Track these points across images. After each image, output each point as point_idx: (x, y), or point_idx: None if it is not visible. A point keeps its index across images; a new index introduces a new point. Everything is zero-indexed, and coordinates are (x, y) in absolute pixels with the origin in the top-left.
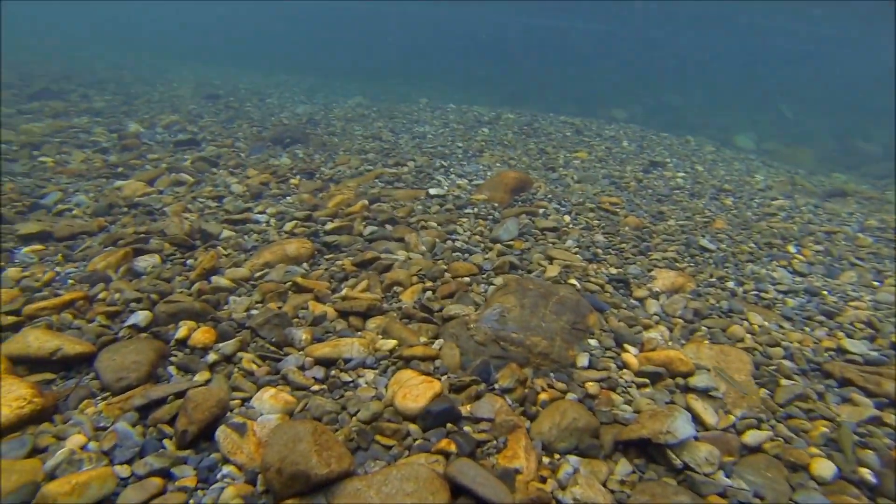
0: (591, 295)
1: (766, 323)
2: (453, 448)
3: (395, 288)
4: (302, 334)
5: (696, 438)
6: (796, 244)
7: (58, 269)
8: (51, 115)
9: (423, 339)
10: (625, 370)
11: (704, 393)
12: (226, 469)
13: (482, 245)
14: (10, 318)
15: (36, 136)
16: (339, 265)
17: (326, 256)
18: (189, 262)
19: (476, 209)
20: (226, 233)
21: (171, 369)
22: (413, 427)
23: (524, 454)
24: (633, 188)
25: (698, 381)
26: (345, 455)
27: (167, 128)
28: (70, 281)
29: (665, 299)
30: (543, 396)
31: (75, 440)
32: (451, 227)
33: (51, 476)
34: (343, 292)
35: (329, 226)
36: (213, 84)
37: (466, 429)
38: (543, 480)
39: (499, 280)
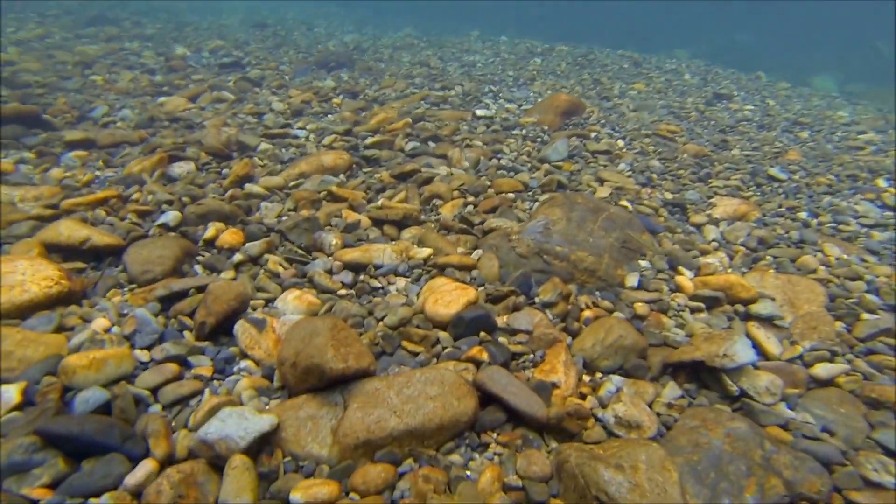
0: (645, 217)
1: (845, 256)
2: (485, 357)
3: (434, 201)
4: (332, 239)
5: (756, 366)
6: (888, 178)
7: (97, 172)
8: (104, 40)
9: (460, 250)
10: (678, 294)
11: (768, 321)
12: (243, 363)
13: (529, 165)
14: (49, 212)
15: (89, 57)
16: (377, 178)
17: (365, 170)
18: (224, 171)
19: (524, 131)
20: (263, 146)
21: (198, 268)
22: (443, 335)
23: (563, 369)
24: (693, 118)
25: (761, 308)
26: (364, 354)
27: (213, 52)
28: (107, 183)
29: (725, 226)
30: (587, 314)
31: (100, 323)
32: (496, 146)
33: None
34: (379, 202)
35: (369, 140)
36: (262, 14)
37: (502, 340)
38: (583, 397)
39: (545, 197)
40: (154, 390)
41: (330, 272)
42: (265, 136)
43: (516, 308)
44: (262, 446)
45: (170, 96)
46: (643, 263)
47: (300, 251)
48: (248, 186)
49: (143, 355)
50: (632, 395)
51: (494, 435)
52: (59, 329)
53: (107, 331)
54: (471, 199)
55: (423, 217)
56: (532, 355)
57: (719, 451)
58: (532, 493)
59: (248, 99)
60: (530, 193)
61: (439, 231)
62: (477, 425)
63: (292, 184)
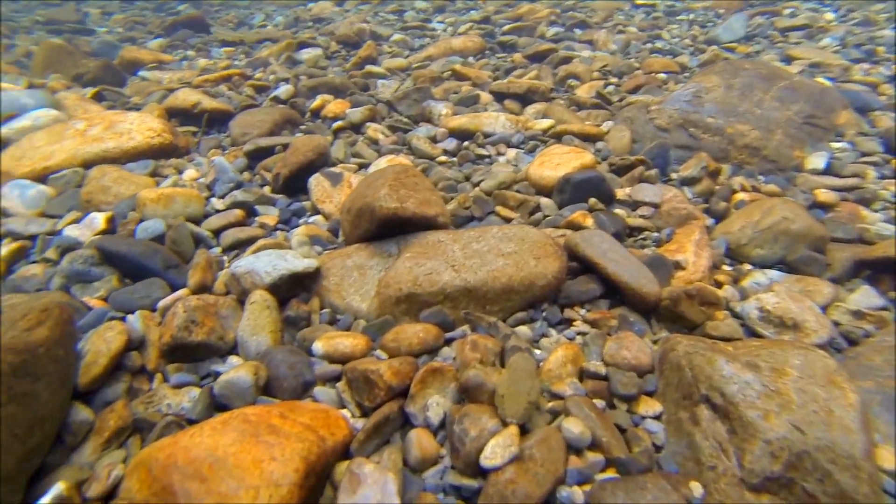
0: (854, 93)
1: None
2: (589, 223)
3: (569, 81)
4: (442, 108)
5: None
6: None
7: (236, 62)
8: None
9: (588, 122)
10: (894, 182)
11: None
12: (312, 217)
13: (692, 48)
14: (180, 86)
15: None
16: (509, 59)
17: (498, 55)
18: (351, 57)
19: (692, 15)
20: (397, 36)
21: (298, 134)
22: (545, 201)
23: (693, 249)
24: None
25: None
26: (432, 202)
27: None
28: (236, 66)
29: None
30: (742, 197)
31: (189, 173)
32: (655, 31)
33: None
34: (505, 80)
35: (507, 27)
36: None
37: (618, 212)
38: (717, 285)
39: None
40: (217, 233)
41: (433, 139)
42: (402, 29)
43: (642, 180)
44: (294, 290)
45: (317, 2)
46: (837, 145)
47: (405, 120)
48: (369, 67)
49: (219, 203)
50: (793, 290)
51: (582, 311)
52: (153, 174)
53: (194, 180)
54: (613, 80)
55: (552, 95)
56: (656, 232)
57: None
58: (617, 383)
59: (393, 0)
60: (686, 75)
61: (569, 108)
62: (561, 296)
63: (416, 65)
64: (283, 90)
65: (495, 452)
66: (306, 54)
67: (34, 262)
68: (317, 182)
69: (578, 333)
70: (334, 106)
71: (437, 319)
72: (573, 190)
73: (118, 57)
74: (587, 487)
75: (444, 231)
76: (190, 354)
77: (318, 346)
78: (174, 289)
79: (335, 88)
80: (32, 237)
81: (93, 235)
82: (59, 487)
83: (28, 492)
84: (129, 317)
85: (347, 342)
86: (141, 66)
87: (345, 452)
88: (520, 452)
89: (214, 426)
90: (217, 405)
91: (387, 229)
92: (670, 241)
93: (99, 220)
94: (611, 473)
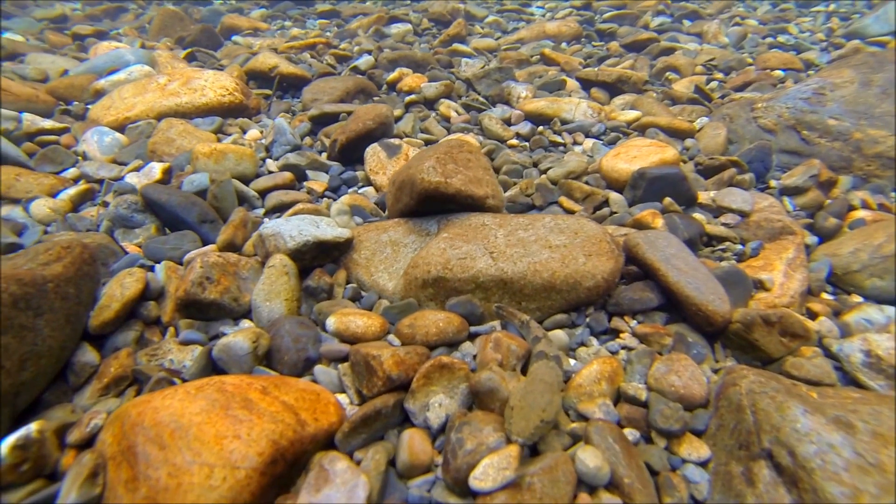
0: None
1: None
2: (659, 224)
3: (667, 74)
4: (523, 90)
5: None
6: None
7: (326, 33)
8: None
9: (680, 118)
10: None
11: None
12: (363, 189)
13: (825, 43)
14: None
15: None
16: (605, 48)
17: (594, 43)
18: (440, 36)
19: (833, 6)
20: (491, 17)
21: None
22: (615, 196)
23: (783, 269)
24: None
25: None
26: (484, 182)
27: None
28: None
29: None
30: (862, 215)
31: (252, 133)
32: (780, 25)
33: None
34: (595, 68)
35: (608, 14)
36: None
37: (697, 217)
38: (811, 316)
39: None
40: (263, 194)
41: (507, 122)
42: (498, 11)
43: (731, 183)
44: (320, 259)
45: None
46: None
47: (482, 100)
48: (456, 46)
49: (273, 165)
50: None
51: (633, 322)
52: (218, 131)
53: (255, 140)
54: (718, 76)
55: (645, 87)
56: (740, 245)
57: None
58: (657, 413)
59: None
60: (811, 73)
61: (662, 101)
62: (611, 302)
63: (505, 47)
64: (364, 61)
65: (487, 474)
66: (395, 29)
67: (96, 205)
68: (373, 152)
69: (624, 348)
70: (411, 80)
71: (464, 310)
72: (647, 186)
73: (220, 24)
74: None
75: (492, 214)
76: (203, 312)
77: (331, 322)
78: (205, 244)
79: (416, 62)
80: (100, 181)
81: (148, 182)
82: (29, 428)
83: (18, 425)
84: (157, 266)
85: (360, 321)
86: (237, 33)
87: (329, 442)
88: (517, 479)
89: (188, 391)
90: (216, 368)
91: (428, 205)
92: (756, 256)
93: (156, 169)
94: None
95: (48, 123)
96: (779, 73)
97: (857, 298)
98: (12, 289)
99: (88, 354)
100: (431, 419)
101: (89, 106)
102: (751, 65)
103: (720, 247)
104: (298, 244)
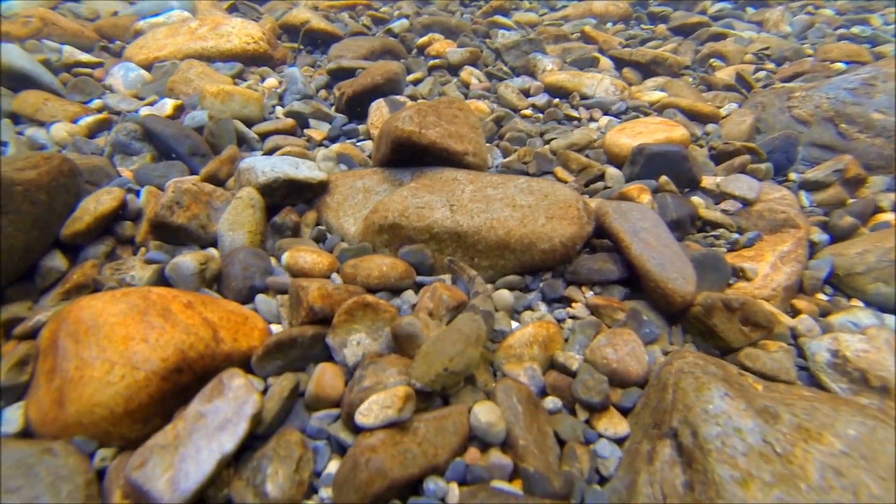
0: None
1: None
2: (645, 199)
3: (712, 60)
4: (549, 63)
5: None
6: None
7: None
8: None
9: (708, 103)
10: None
11: None
12: (362, 142)
13: None
14: (302, 7)
15: None
16: (650, 28)
17: (643, 25)
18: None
19: None
20: None
21: None
22: (612, 171)
23: (774, 261)
24: None
25: None
26: (466, 139)
27: None
28: None
29: None
30: (888, 218)
31: (270, 82)
32: (861, 15)
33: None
34: (630, 49)
35: None
36: None
37: (694, 200)
38: (793, 313)
39: None
40: (264, 137)
41: (526, 92)
42: None
43: (742, 170)
44: (291, 198)
45: None
46: None
47: (506, 70)
48: (497, 17)
49: (281, 112)
50: None
51: (589, 293)
52: (237, 76)
53: (271, 88)
54: (768, 66)
55: (682, 71)
56: (736, 233)
57: None
58: (580, 384)
59: None
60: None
61: (697, 86)
62: (568, 270)
63: (547, 22)
64: (398, 24)
65: (371, 410)
66: None
67: (110, 134)
68: (377, 107)
69: (572, 317)
70: (439, 45)
71: (414, 259)
72: (645, 163)
73: None
74: (470, 489)
75: (467, 171)
76: (172, 235)
77: (284, 257)
78: (193, 175)
79: (449, 29)
80: (118, 112)
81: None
82: None
83: None
84: (142, 190)
85: (309, 258)
86: None
87: (247, 365)
88: (402, 420)
89: (116, 295)
90: (168, 286)
91: (402, 154)
92: (750, 246)
93: (168, 105)
94: (515, 486)
95: (85, 57)
96: (839, 65)
97: (855, 303)
98: None
99: (57, 261)
100: (348, 356)
101: (127, 45)
102: (809, 56)
103: (713, 233)
104: (269, 179)
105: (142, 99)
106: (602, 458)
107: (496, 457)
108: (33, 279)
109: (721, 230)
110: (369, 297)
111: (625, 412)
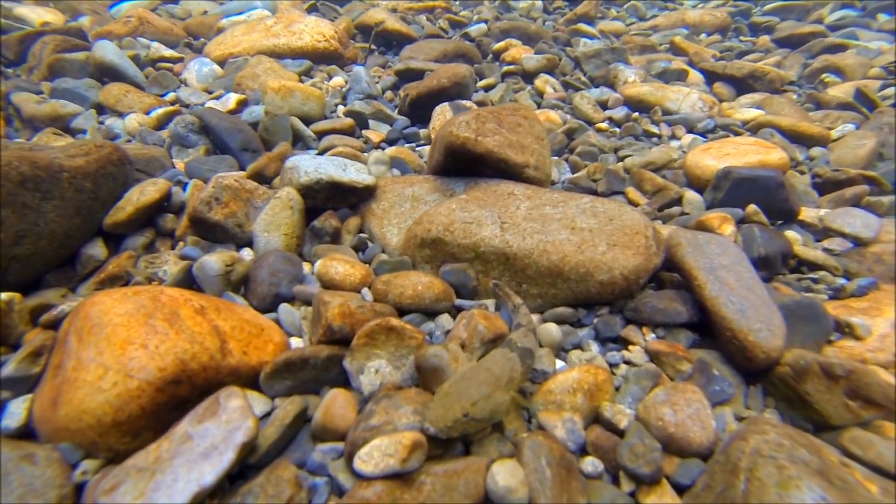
0: None
1: None
2: (727, 231)
3: (824, 75)
4: (632, 74)
5: None
6: None
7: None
8: None
9: (817, 122)
10: None
11: None
12: (422, 147)
13: None
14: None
15: None
16: (751, 40)
17: (742, 37)
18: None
19: None
20: (633, 2)
21: None
22: (692, 196)
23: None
24: None
25: None
26: (527, 150)
27: None
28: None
29: None
30: None
31: (336, 80)
32: None
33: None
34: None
35: (770, 6)
36: None
37: (789, 234)
38: None
39: None
40: (321, 136)
41: (603, 105)
42: None
43: (855, 203)
44: (334, 202)
45: None
46: None
47: (584, 80)
48: (581, 25)
49: (340, 110)
50: None
51: (650, 335)
52: (304, 73)
53: (339, 87)
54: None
55: (785, 87)
56: (842, 279)
57: None
58: (626, 449)
59: None
60: None
61: (803, 105)
62: (628, 307)
63: (634, 32)
64: (476, 28)
65: (371, 456)
66: (523, 3)
67: None
68: (440, 111)
69: (626, 362)
70: (515, 51)
71: (456, 279)
72: (731, 188)
73: None
74: None
75: (526, 186)
76: (209, 232)
77: (317, 265)
78: (242, 170)
79: (528, 35)
80: (188, 105)
81: (224, 110)
82: None
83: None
84: (189, 184)
85: (342, 268)
86: None
87: (255, 381)
88: (403, 471)
89: (127, 293)
90: (196, 286)
91: (456, 163)
92: (862, 296)
93: (232, 100)
94: None
95: (168, 53)
96: None
97: None
98: (23, 168)
99: (98, 249)
100: (364, 384)
101: (208, 42)
102: None
103: (811, 275)
104: (311, 180)
105: (210, 93)
106: None
107: None
108: (74, 266)
109: (822, 273)
110: (394, 321)
111: (681, 490)
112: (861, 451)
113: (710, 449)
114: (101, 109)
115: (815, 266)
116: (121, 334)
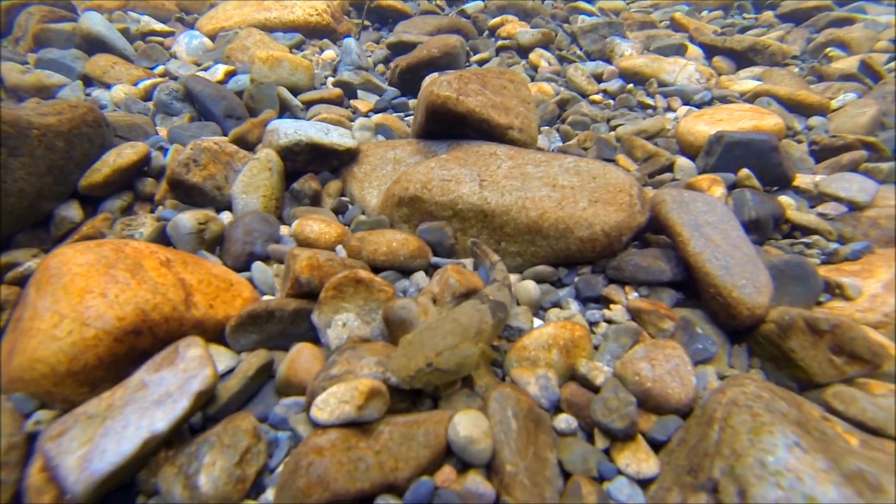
0: None
1: None
2: (717, 193)
3: (828, 49)
4: (628, 48)
5: None
6: None
7: None
8: None
9: (816, 92)
10: None
11: None
12: (410, 116)
13: None
14: None
15: None
16: (753, 17)
17: (746, 14)
18: None
19: None
20: None
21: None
22: (683, 162)
23: (889, 282)
24: None
25: None
26: (511, 112)
27: None
28: None
29: None
30: None
31: (328, 53)
32: None
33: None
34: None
35: None
36: None
37: (781, 199)
38: None
39: None
40: (308, 105)
41: (598, 77)
42: None
43: (853, 168)
44: (315, 165)
45: None
46: None
47: (580, 54)
48: (580, 3)
49: (331, 82)
50: None
51: (633, 293)
52: (295, 46)
53: (330, 60)
54: None
55: (787, 61)
56: (836, 243)
57: None
58: (601, 403)
59: None
60: None
61: (804, 77)
62: (610, 265)
63: (634, 8)
64: (472, 5)
65: (327, 403)
66: None
67: None
68: (430, 81)
69: (607, 321)
70: (511, 27)
71: (432, 237)
72: (724, 153)
73: None
74: None
75: (509, 147)
76: (188, 195)
77: (293, 225)
78: (224, 134)
79: (524, 11)
80: (176, 78)
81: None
82: None
83: None
84: (170, 148)
85: (317, 227)
86: None
87: (221, 335)
88: (360, 419)
89: (90, 245)
90: (170, 244)
91: (439, 124)
92: (855, 259)
93: (220, 71)
94: None
95: (158, 26)
96: None
97: None
98: None
99: (73, 211)
100: (331, 338)
101: (200, 16)
102: None
103: (804, 239)
104: (290, 141)
105: (199, 65)
106: (617, 501)
107: (475, 482)
108: (48, 228)
109: (815, 237)
110: (362, 273)
111: (657, 446)
112: (844, 406)
113: (689, 406)
114: (88, 81)
115: (808, 230)
116: (79, 283)
